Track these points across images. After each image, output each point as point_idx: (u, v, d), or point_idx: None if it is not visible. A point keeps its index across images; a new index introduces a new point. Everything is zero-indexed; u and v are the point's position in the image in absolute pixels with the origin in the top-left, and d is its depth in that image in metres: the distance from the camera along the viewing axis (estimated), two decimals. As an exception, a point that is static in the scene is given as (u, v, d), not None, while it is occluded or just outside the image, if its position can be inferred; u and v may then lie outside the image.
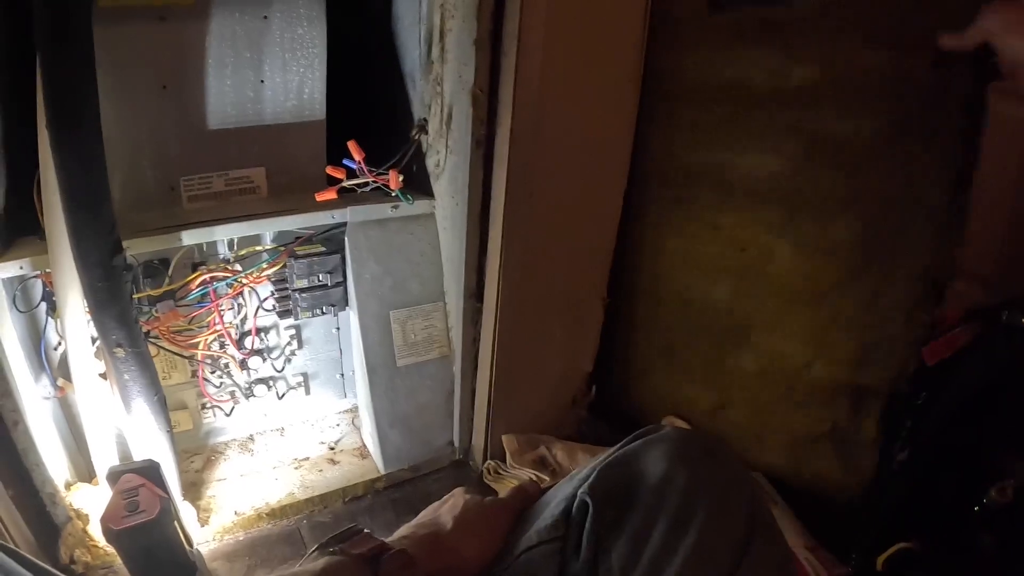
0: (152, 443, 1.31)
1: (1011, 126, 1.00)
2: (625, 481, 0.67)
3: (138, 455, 1.32)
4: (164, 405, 1.30)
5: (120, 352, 1.21)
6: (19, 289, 1.28)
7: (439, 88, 1.40)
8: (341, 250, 1.45)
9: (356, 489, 1.53)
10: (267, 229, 1.41)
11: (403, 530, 0.74)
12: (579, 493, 0.68)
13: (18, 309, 1.29)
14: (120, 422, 1.32)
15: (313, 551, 0.68)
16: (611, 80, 1.38)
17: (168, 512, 1.12)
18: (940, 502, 1.23)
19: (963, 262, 1.10)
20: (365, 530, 0.69)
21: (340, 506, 1.50)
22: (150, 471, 1.18)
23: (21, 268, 1.24)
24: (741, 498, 0.66)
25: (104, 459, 1.34)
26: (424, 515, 0.79)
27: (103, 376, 1.30)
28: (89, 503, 1.40)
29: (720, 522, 0.63)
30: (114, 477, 1.16)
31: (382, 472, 1.55)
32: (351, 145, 1.37)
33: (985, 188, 1.04)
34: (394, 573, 0.64)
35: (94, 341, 1.26)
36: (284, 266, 1.44)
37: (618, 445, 0.73)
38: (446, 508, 0.78)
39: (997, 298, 1.13)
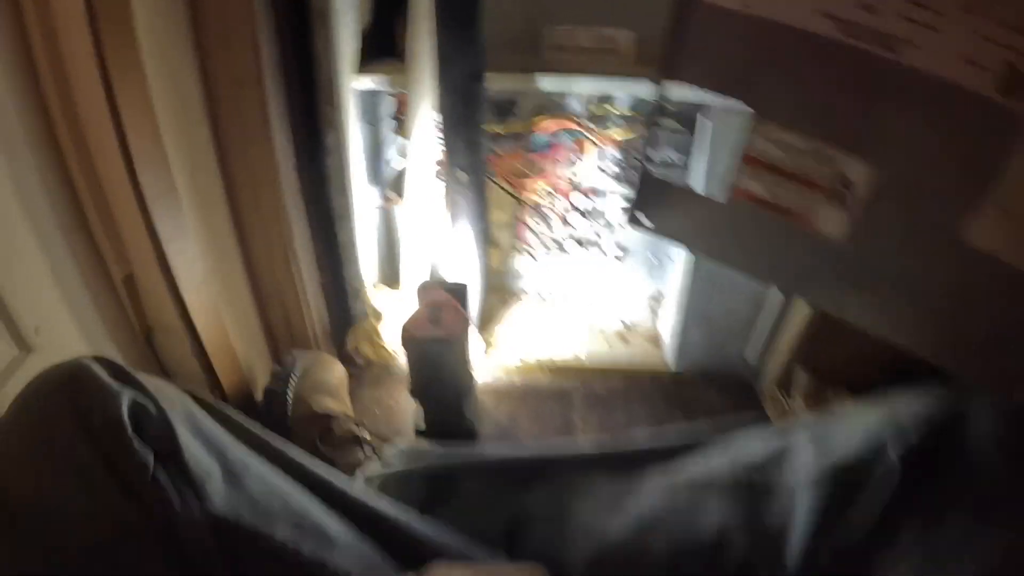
0: (465, 268, 1.44)
1: None
2: (946, 447, 0.59)
3: (449, 277, 1.46)
4: (487, 236, 1.42)
5: (461, 175, 1.33)
6: (370, 103, 1.47)
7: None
8: (693, 132, 1.45)
9: (641, 375, 1.59)
10: (626, 91, 1.45)
11: None
12: (888, 441, 0.61)
13: (366, 121, 1.48)
14: (438, 244, 1.46)
15: None
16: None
17: (466, 335, 1.24)
18: None
19: None
20: None
21: (619, 384, 1.57)
22: (458, 292, 1.32)
23: (374, 84, 1.41)
24: None
25: (412, 270, 1.50)
26: None
27: (433, 196, 1.43)
28: (387, 305, 1.58)
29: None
30: (423, 290, 1.30)
31: (669, 363, 1.61)
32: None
33: None
34: None
35: (433, 163, 1.40)
36: (634, 134, 1.46)
37: (930, 390, 0.66)
38: None
39: None
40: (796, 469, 0.65)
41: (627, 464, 0.76)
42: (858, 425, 0.66)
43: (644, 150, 1.45)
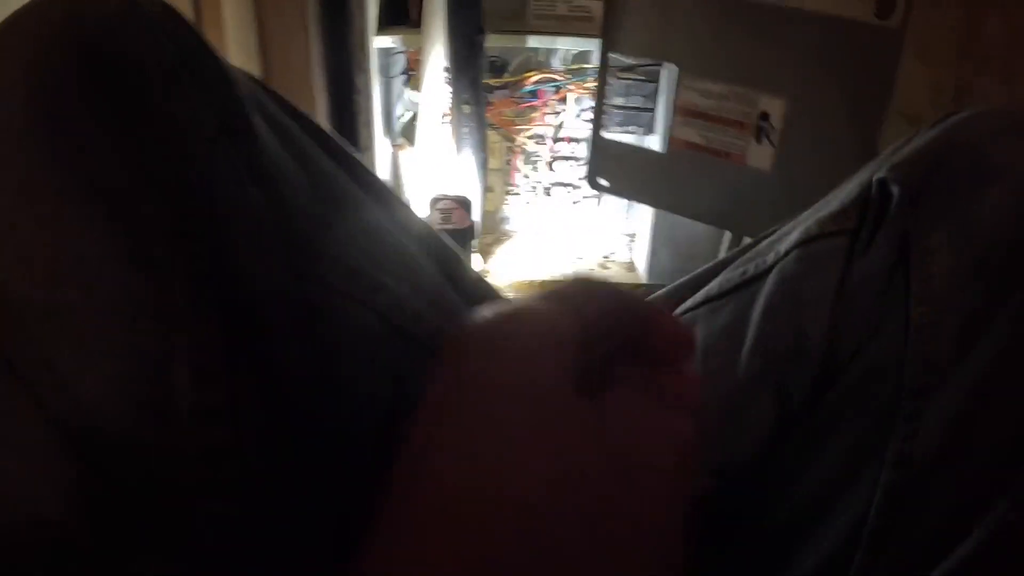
0: (468, 191, 1.73)
1: None
2: (949, 160, 0.49)
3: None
4: (485, 165, 1.72)
5: (466, 108, 1.64)
6: (385, 61, 1.80)
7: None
8: (657, 81, 1.77)
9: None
10: (598, 48, 1.75)
11: None
12: (876, 176, 0.51)
13: (382, 75, 1.80)
14: (444, 174, 1.76)
15: None
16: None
17: (471, 233, 1.53)
18: None
19: None
20: None
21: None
22: (464, 202, 1.61)
23: (392, 42, 1.74)
24: None
25: (423, 198, 1.79)
26: None
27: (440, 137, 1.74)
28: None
29: None
30: (434, 201, 1.59)
31: (643, 282, 1.90)
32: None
33: None
34: None
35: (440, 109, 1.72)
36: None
37: (928, 126, 0.54)
38: None
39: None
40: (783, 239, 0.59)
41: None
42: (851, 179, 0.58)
43: (594, 112, 1.51)
